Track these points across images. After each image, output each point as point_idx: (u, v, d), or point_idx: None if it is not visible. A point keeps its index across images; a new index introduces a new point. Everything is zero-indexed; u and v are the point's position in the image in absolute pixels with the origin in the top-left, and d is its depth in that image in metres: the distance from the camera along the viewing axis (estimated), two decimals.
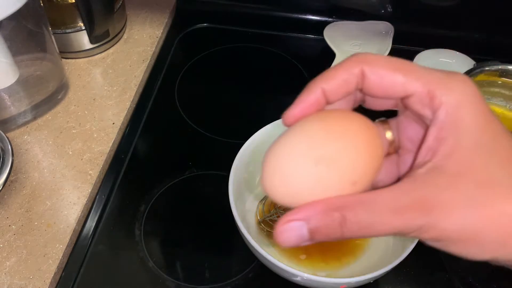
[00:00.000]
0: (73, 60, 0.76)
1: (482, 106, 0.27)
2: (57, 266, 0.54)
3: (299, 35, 0.86)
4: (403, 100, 0.28)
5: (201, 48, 0.83)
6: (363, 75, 0.27)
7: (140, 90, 0.75)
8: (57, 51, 0.69)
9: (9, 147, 0.57)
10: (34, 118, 0.68)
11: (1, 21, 0.57)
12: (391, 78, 0.27)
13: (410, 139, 0.30)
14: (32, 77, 0.67)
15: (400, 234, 0.25)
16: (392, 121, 0.31)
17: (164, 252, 0.58)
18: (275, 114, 0.60)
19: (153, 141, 0.71)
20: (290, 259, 0.55)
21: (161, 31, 0.82)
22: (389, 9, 0.83)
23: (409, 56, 0.76)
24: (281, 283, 0.51)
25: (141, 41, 0.80)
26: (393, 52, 0.77)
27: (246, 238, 0.49)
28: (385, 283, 0.56)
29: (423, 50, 0.77)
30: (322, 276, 0.51)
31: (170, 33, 0.85)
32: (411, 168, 0.27)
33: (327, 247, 0.56)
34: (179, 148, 0.69)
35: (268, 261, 0.48)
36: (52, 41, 0.67)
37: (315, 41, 0.84)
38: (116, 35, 0.78)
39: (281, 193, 0.27)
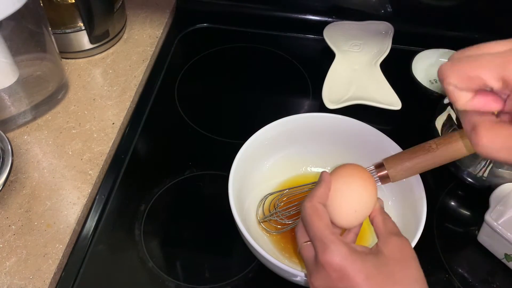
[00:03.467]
0: (73, 60, 0.76)
1: None
2: (57, 266, 0.54)
3: (299, 35, 0.86)
4: None
5: (201, 48, 0.83)
6: None
7: (140, 90, 0.75)
8: (57, 51, 0.69)
9: (9, 147, 0.57)
10: (34, 118, 0.68)
11: (1, 21, 0.57)
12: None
13: None
14: (32, 77, 0.67)
15: None
16: None
17: (164, 252, 0.58)
18: (275, 114, 0.61)
19: (153, 141, 0.71)
20: (290, 259, 0.55)
21: (161, 31, 0.82)
22: (389, 9, 0.83)
23: (409, 56, 0.76)
24: (281, 283, 0.51)
25: (141, 41, 0.80)
26: (393, 52, 0.77)
27: (246, 238, 0.49)
28: None
29: (423, 50, 0.77)
30: None
31: (170, 33, 0.85)
32: None
33: None
34: (179, 148, 0.69)
35: (268, 261, 0.47)
36: (52, 41, 0.67)
37: (315, 41, 0.84)
38: (116, 35, 0.78)
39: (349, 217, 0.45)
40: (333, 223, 0.45)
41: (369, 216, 0.46)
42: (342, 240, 0.41)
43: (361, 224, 0.47)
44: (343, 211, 0.45)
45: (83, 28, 0.73)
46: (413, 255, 0.41)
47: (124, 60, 0.77)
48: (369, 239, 0.56)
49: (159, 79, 0.78)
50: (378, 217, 0.45)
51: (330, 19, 0.85)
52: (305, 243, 0.43)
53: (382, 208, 0.47)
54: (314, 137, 0.61)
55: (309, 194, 0.45)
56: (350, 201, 0.45)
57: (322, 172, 0.47)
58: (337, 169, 0.48)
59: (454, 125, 0.61)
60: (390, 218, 0.46)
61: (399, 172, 0.52)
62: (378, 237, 0.44)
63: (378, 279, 0.39)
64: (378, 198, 0.47)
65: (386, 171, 0.52)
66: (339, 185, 0.46)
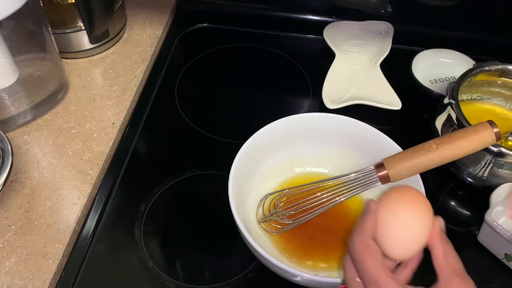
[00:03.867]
0: (73, 60, 0.76)
1: None
2: (57, 266, 0.54)
3: (299, 35, 0.86)
4: None
5: (201, 48, 0.83)
6: None
7: (140, 90, 0.75)
8: (57, 51, 0.69)
9: (9, 147, 0.57)
10: (34, 118, 0.68)
11: (1, 21, 0.57)
12: None
13: None
14: (32, 77, 0.67)
15: None
16: None
17: (164, 252, 0.58)
18: (275, 114, 0.61)
19: (153, 141, 0.71)
20: (290, 259, 0.55)
21: (161, 31, 0.82)
22: (389, 9, 0.83)
23: (409, 56, 0.76)
24: (281, 283, 0.51)
25: (141, 41, 0.80)
26: (393, 52, 0.77)
27: (246, 238, 0.49)
28: None
29: (423, 50, 0.77)
30: (322, 276, 0.52)
31: (170, 33, 0.85)
32: None
33: (327, 247, 0.56)
34: (179, 148, 0.69)
35: (268, 261, 0.47)
36: (52, 41, 0.67)
37: (315, 41, 0.84)
38: (116, 35, 0.78)
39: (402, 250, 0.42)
40: (384, 254, 0.42)
41: (428, 243, 0.42)
42: (397, 281, 0.38)
43: (419, 256, 0.43)
44: (393, 243, 0.42)
45: (83, 28, 0.73)
46: None
47: (124, 60, 0.77)
48: None
49: (159, 79, 0.78)
50: (438, 248, 0.41)
51: (330, 19, 0.85)
52: (355, 281, 0.40)
53: (442, 233, 0.42)
54: (314, 137, 0.61)
55: (357, 227, 0.42)
56: (400, 230, 0.41)
57: (368, 201, 0.44)
58: (383, 194, 0.45)
59: (454, 125, 0.61)
60: (452, 248, 0.42)
61: (399, 172, 0.52)
62: (438, 275, 0.40)
63: None
64: (437, 217, 0.43)
65: (386, 171, 0.52)
66: (386, 213, 0.42)
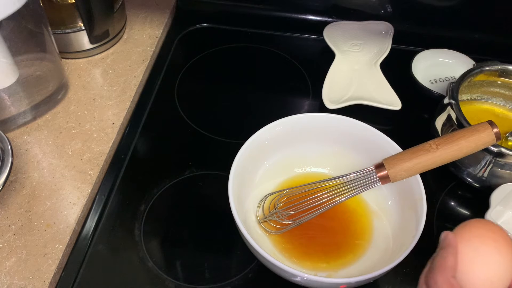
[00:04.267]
0: (73, 60, 0.76)
1: None
2: (57, 266, 0.54)
3: (299, 35, 0.86)
4: None
5: (201, 48, 0.83)
6: None
7: (140, 90, 0.75)
8: (57, 51, 0.69)
9: (9, 147, 0.57)
10: (34, 118, 0.68)
11: (1, 21, 0.57)
12: None
13: None
14: (32, 77, 0.67)
15: None
16: None
17: (164, 252, 0.58)
18: (275, 114, 0.61)
19: (153, 141, 0.71)
20: (290, 259, 0.55)
21: (161, 31, 0.82)
22: (389, 9, 0.83)
23: (409, 56, 0.76)
24: (281, 283, 0.51)
25: (141, 41, 0.80)
26: (393, 52, 0.77)
27: (246, 238, 0.49)
28: (385, 283, 0.56)
29: (423, 50, 0.77)
30: (322, 276, 0.52)
31: (170, 33, 0.85)
32: None
33: (327, 247, 0.56)
34: (179, 148, 0.69)
35: (268, 261, 0.47)
36: (52, 41, 0.67)
37: (315, 41, 0.84)
38: (116, 35, 0.78)
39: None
40: None
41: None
42: None
43: None
44: (473, 281, 0.39)
45: (83, 28, 0.73)
46: None
47: (124, 60, 0.77)
48: (370, 236, 0.56)
49: (159, 79, 0.78)
50: None
51: (330, 19, 0.85)
52: None
53: None
54: (314, 137, 0.61)
55: (438, 264, 0.40)
56: (482, 269, 0.39)
57: (445, 235, 0.42)
58: (461, 227, 0.42)
59: (454, 125, 0.61)
60: None
61: (399, 172, 0.52)
62: None
63: None
64: None
65: (386, 171, 0.52)
66: (467, 249, 0.40)
